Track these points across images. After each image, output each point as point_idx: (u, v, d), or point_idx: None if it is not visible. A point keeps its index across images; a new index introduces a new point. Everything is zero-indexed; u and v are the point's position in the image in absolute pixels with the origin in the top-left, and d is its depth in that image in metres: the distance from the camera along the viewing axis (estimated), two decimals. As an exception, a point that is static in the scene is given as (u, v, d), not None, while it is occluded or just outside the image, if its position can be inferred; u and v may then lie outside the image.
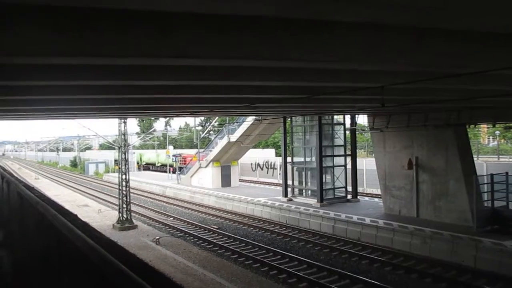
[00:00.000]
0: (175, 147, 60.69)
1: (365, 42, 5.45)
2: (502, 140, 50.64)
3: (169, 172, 43.50)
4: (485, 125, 38.54)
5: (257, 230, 20.49)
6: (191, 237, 19.26)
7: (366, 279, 12.75)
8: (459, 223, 16.77)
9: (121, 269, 1.74)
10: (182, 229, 20.74)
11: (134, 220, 21.85)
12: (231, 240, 18.41)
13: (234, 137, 29.40)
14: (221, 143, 30.95)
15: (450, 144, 17.53)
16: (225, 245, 17.39)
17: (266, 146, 52.08)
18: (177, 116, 26.06)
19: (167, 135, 55.76)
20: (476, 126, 23.29)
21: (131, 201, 22.08)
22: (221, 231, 19.93)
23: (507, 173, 17.09)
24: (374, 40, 5.45)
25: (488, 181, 16.81)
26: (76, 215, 3.36)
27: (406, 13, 4.47)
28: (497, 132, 47.07)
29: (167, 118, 75.40)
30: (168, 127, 77.91)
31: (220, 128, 35.23)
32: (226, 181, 32.15)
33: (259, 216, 23.22)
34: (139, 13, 4.50)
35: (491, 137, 54.46)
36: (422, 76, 7.19)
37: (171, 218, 24.00)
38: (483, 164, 25.49)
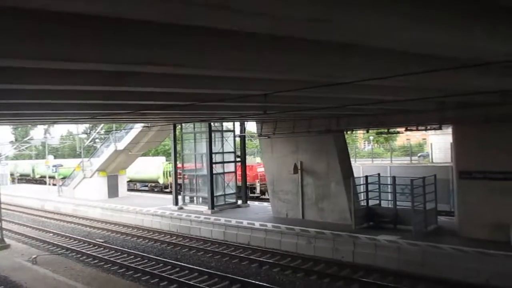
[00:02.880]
0: (56, 157, 56.19)
1: (255, 50, 5.55)
2: (376, 144, 55.80)
3: (50, 184, 40.07)
4: (361, 131, 42.14)
5: (147, 241, 19.80)
6: (73, 253, 17.90)
7: (255, 282, 13.06)
8: (340, 222, 18.05)
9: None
10: (64, 245, 19.19)
11: (6, 239, 19.60)
12: (119, 253, 17.51)
13: (121, 145, 28.14)
14: (107, 152, 29.41)
15: (331, 149, 18.82)
16: (111, 259, 16.49)
17: (156, 154, 50.74)
18: (54, 123, 24.13)
19: (46, 144, 51.35)
20: (353, 132, 25.35)
21: (2, 218, 19.81)
22: (108, 245, 18.86)
23: (379, 174, 18.85)
24: (265, 49, 5.56)
25: (364, 182, 18.35)
26: None
27: (291, 25, 4.61)
28: (371, 137, 51.78)
29: (46, 126, 69.59)
30: (47, 135, 71.96)
31: (106, 136, 33.46)
32: (113, 191, 30.58)
33: (148, 226, 22.45)
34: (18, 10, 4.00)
35: (366, 142, 59.74)
36: (303, 85, 7.57)
37: (51, 234, 22.08)
38: (359, 166, 27.76)
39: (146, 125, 25.31)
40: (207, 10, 3.47)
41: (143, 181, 38.66)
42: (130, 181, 38.85)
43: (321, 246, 15.82)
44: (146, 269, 14.90)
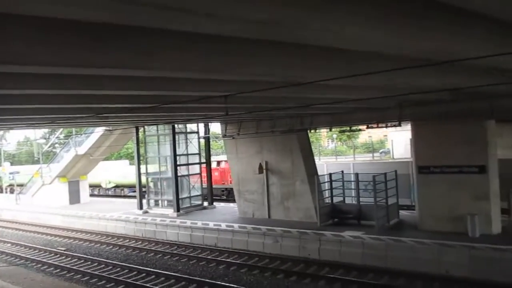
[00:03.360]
0: (12, 163, 53.99)
1: (206, 52, 5.54)
2: (339, 142, 56.83)
3: (7, 192, 38.50)
4: (324, 130, 42.88)
5: (111, 247, 19.35)
6: (34, 263, 17.25)
7: (223, 283, 13.04)
8: (306, 220, 18.27)
9: None
10: (23, 255, 18.45)
11: (-40, 252, 18.73)
12: (82, 261, 17.02)
13: (82, 150, 27.38)
14: (67, 157, 28.53)
15: (295, 148, 19.02)
16: (74, 267, 16.01)
17: (119, 157, 49.66)
18: (10, 128, 23.23)
19: (1, 150, 49.23)
20: (317, 131, 25.74)
21: (-45, 229, 18.89)
22: (70, 253, 18.32)
23: (342, 171, 19.22)
24: (217, 50, 5.58)
25: (328, 179, 18.66)
26: None
27: (245, 26, 4.63)
28: (334, 136, 52.73)
29: (1, 132, 66.86)
30: (3, 141, 69.12)
31: (66, 141, 32.44)
32: (74, 197, 29.68)
33: (112, 232, 21.94)
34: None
35: (329, 140, 60.76)
36: (265, 86, 7.63)
37: (9, 244, 21.19)
38: (324, 164, 28.18)
39: (108, 128, 24.80)
40: (158, 11, 3.43)
41: (132, 187, 36.25)
42: (116, 187, 37.10)
43: (288, 245, 15.95)
44: (111, 276, 14.57)
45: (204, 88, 7.77)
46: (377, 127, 17.81)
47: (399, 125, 16.98)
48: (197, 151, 24.48)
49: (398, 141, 35.51)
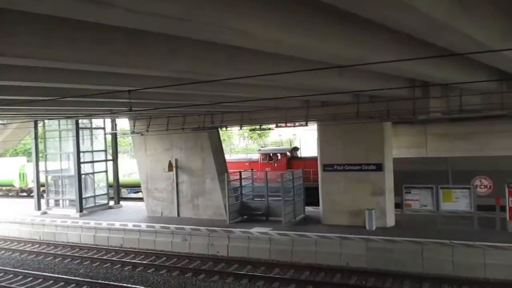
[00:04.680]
0: None
1: (118, 45, 5.29)
2: (250, 140, 57.75)
3: None
4: (235, 127, 43.25)
5: (3, 252, 17.69)
6: None
7: (129, 285, 12.60)
8: (216, 217, 18.30)
9: None
10: None
11: None
12: (-34, 268, 15.37)
13: (-31, 145, 24.73)
14: (-49, 153, 25.62)
15: (205, 146, 18.94)
16: (-43, 276, 14.42)
17: (16, 154, 45.67)
18: None
19: None
20: (228, 129, 25.85)
21: None
22: (-47, 260, 16.46)
23: (252, 169, 19.53)
24: (129, 44, 5.34)
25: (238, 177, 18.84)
26: None
27: (154, 20, 4.47)
28: (246, 134, 53.50)
29: None
30: None
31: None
32: (-40, 198, 26.72)
33: (5, 235, 20.07)
34: None
35: (241, 138, 61.43)
36: (167, 82, 7.45)
37: None
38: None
39: (2, 122, 22.66)
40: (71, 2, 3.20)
41: (137, 186, 30.14)
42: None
43: (197, 243, 15.85)
44: (2, 284, 13.33)
45: (107, 82, 7.39)
46: (285, 126, 18.37)
47: (306, 124, 17.69)
48: (103, 148, 23.33)
49: (306, 140, 37.00)
